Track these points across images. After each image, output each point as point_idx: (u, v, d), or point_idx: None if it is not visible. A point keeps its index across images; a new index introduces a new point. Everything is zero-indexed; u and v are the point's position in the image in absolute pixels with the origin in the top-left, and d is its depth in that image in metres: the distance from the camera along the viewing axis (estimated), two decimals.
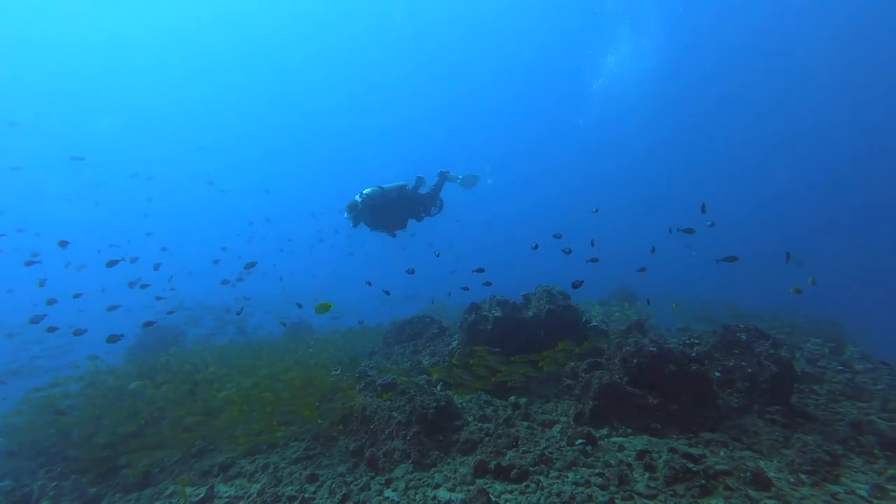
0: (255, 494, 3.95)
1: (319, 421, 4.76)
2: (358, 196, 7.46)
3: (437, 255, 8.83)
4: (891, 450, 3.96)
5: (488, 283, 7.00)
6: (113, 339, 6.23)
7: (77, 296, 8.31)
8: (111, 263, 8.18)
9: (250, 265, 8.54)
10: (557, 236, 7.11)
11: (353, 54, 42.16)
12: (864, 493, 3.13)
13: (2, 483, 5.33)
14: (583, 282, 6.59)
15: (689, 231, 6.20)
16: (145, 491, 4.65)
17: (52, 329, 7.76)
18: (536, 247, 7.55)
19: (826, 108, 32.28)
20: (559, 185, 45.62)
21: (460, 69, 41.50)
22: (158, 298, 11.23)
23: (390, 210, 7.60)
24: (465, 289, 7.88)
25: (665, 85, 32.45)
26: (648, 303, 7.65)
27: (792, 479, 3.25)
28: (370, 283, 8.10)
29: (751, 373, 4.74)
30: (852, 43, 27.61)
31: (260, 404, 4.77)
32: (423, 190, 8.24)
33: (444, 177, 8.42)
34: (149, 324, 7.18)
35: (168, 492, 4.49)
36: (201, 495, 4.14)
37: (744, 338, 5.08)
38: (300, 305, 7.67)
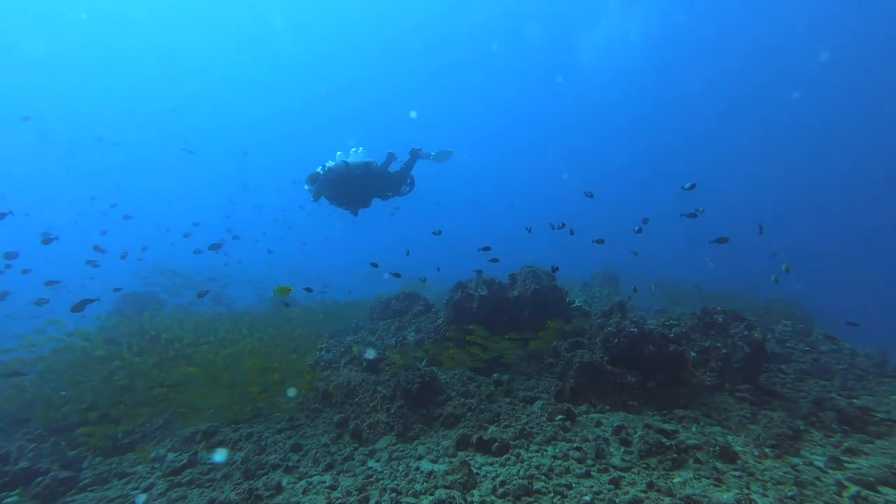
0: (238, 462, 3.99)
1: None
2: (320, 168, 6.97)
3: (407, 254, 8.69)
4: (848, 424, 4.22)
5: (495, 260, 6.84)
6: (79, 306, 5.99)
7: (50, 284, 7.87)
8: (47, 242, 7.81)
9: (216, 247, 8.34)
10: (558, 226, 7.03)
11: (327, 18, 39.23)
12: (820, 465, 3.33)
13: None
14: (558, 268, 6.69)
15: (693, 215, 6.21)
16: (126, 455, 4.65)
17: (41, 301, 7.46)
18: (530, 230, 7.56)
19: (821, 81, 32.31)
20: (546, 162, 45.40)
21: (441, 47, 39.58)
22: (123, 257, 10.83)
23: (354, 187, 7.12)
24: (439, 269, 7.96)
25: (655, 58, 32.05)
26: (635, 291, 7.73)
27: (756, 453, 3.43)
28: (376, 265, 7.81)
29: (725, 353, 4.93)
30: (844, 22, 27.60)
31: (220, 384, 4.77)
32: (393, 168, 7.77)
33: (415, 154, 7.96)
34: (118, 289, 6.95)
35: (150, 456, 4.49)
36: (183, 461, 4.16)
37: (720, 320, 5.25)
38: (310, 290, 7.36)
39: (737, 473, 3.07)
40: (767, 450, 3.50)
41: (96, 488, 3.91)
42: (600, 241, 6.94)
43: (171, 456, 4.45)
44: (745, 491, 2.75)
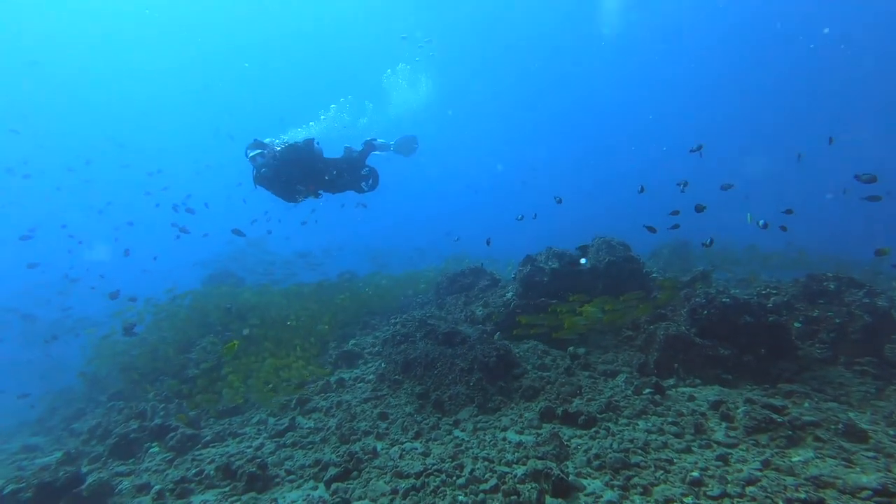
0: (333, 427, 4.30)
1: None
2: (277, 143, 6.08)
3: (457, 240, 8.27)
4: None
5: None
6: (129, 329, 6.82)
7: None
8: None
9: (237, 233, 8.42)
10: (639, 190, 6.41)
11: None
12: None
13: (113, 402, 6.20)
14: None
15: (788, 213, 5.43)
16: (235, 417, 5.22)
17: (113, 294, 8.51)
18: (560, 200, 7.05)
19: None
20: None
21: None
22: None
23: (301, 174, 6.17)
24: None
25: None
26: (711, 243, 6.64)
27: (892, 432, 3.05)
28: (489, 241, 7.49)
29: (839, 323, 4.39)
30: None
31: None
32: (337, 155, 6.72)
33: (370, 146, 6.90)
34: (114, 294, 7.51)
35: (255, 419, 5.00)
36: (285, 425, 4.58)
37: (832, 287, 4.67)
38: (489, 242, 7.34)
39: (870, 454, 2.75)
40: None
41: (217, 444, 4.44)
42: (675, 213, 6.31)
43: (272, 420, 4.93)
44: (890, 474, 2.45)
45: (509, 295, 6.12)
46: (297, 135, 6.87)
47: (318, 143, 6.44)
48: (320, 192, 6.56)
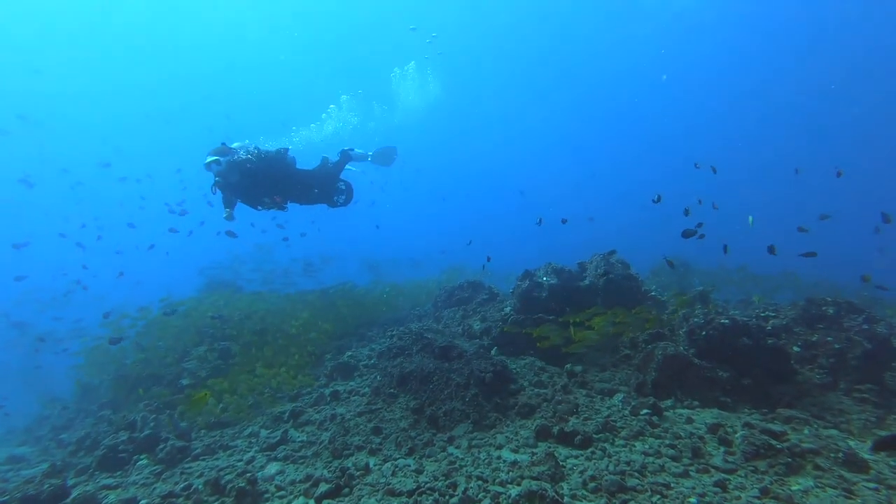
0: (326, 441, 4.24)
1: None
2: (243, 151, 5.73)
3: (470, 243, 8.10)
4: None
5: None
6: (115, 342, 6.76)
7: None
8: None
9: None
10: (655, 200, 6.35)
11: None
12: None
13: (103, 412, 6.11)
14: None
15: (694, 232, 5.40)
16: (226, 430, 5.14)
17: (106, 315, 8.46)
18: (539, 221, 7.03)
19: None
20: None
21: None
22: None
23: (268, 184, 5.88)
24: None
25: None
26: (726, 250, 6.24)
27: (893, 462, 3.01)
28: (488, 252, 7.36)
29: (838, 349, 4.37)
30: None
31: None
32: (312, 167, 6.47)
33: (346, 156, 6.55)
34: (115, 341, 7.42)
35: (246, 432, 4.92)
36: (277, 438, 4.50)
37: (831, 311, 4.65)
38: (489, 259, 7.17)
39: (872, 485, 2.71)
40: None
41: (207, 458, 4.35)
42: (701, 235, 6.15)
43: (263, 433, 4.86)
44: None
45: (507, 310, 6.09)
46: (294, 141, 6.73)
47: (291, 154, 6.20)
48: (287, 204, 6.28)
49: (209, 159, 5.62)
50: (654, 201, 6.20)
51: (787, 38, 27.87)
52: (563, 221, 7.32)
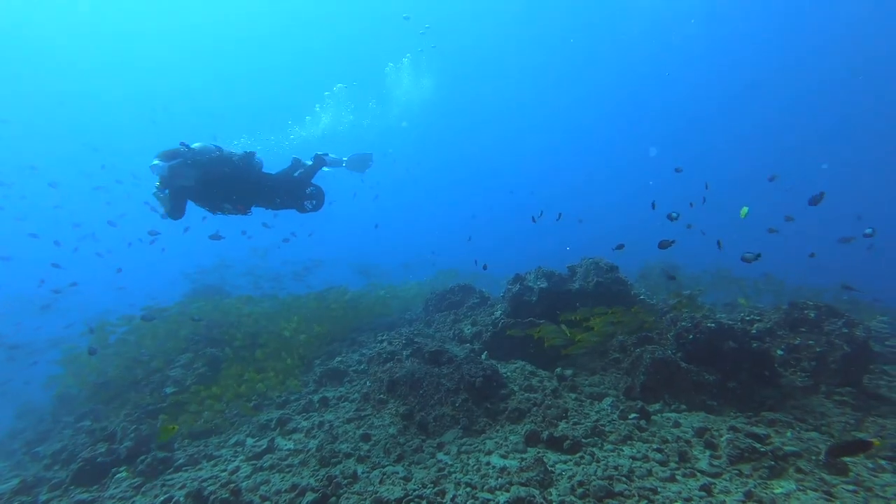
0: (313, 449, 4.18)
1: None
2: (181, 145, 5.34)
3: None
4: None
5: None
6: (93, 352, 6.57)
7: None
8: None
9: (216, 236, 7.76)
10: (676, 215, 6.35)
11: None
12: None
13: (83, 423, 5.94)
14: (623, 245, 6.21)
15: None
16: (211, 439, 5.04)
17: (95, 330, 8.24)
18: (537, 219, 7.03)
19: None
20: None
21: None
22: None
23: (228, 189, 5.57)
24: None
25: None
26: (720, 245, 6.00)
27: (871, 465, 3.07)
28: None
29: (819, 352, 4.46)
30: None
31: None
32: (297, 174, 6.24)
33: (319, 161, 6.34)
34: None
35: (232, 441, 4.83)
36: (263, 447, 4.43)
37: (812, 315, 4.75)
38: (485, 266, 7.04)
39: (850, 487, 2.76)
40: (883, 462, 3.12)
41: (189, 468, 4.26)
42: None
43: (250, 441, 4.77)
44: None
45: (498, 314, 6.10)
46: (289, 138, 6.47)
47: (258, 158, 5.89)
48: (250, 209, 5.99)
49: (154, 162, 5.25)
50: (651, 208, 6.33)
51: (800, 36, 27.98)
52: (580, 221, 7.45)
